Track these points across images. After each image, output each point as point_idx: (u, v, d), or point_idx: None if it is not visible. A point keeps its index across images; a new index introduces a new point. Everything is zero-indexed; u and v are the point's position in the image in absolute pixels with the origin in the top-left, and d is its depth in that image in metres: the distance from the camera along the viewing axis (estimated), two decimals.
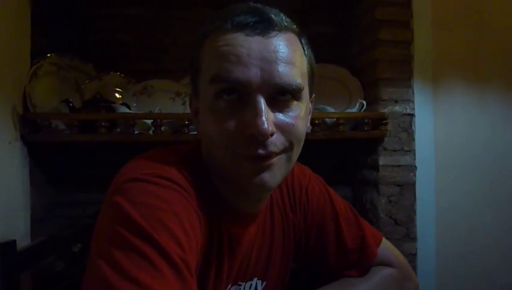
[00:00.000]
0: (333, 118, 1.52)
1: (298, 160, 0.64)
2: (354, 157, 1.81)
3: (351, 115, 1.55)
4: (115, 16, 1.80)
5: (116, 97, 1.67)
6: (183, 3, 1.82)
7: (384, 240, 0.84)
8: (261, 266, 0.73)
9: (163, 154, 0.61)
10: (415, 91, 1.58)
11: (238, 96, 0.55)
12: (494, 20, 1.67)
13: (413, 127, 1.58)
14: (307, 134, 0.62)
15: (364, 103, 1.58)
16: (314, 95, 0.69)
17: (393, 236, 1.57)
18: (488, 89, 1.66)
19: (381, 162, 1.57)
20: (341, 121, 1.50)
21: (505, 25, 1.67)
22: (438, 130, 1.62)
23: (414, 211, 1.59)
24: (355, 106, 1.60)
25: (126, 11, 1.81)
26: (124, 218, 0.48)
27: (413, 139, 1.58)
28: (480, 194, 1.67)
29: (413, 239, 1.59)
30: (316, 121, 1.49)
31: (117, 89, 1.70)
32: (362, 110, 1.58)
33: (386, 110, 1.56)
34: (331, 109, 1.59)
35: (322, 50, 1.81)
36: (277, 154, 0.57)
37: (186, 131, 1.47)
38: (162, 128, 1.45)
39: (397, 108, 1.57)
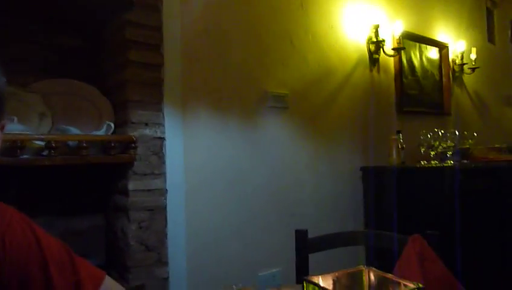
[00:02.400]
0: (75, 140, 1.37)
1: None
2: (105, 182, 1.68)
3: (96, 138, 1.43)
4: None
5: None
6: None
7: (107, 278, 0.76)
8: None
9: None
10: (165, 115, 1.60)
11: None
12: (233, 56, 1.88)
13: (163, 151, 1.59)
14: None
15: (112, 124, 1.50)
16: (4, 121, 0.56)
17: (144, 262, 1.52)
18: (230, 115, 1.84)
19: (131, 187, 1.50)
20: (84, 144, 1.36)
21: (242, 62, 1.91)
22: (188, 153, 1.68)
23: (165, 235, 1.58)
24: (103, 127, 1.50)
25: None
26: None
27: (164, 163, 1.59)
28: (227, 209, 1.81)
29: (165, 263, 1.58)
30: (54, 144, 1.30)
31: None
32: (110, 133, 1.49)
33: (136, 133, 1.51)
34: (75, 130, 1.43)
35: (71, 65, 1.67)
36: None
37: None
38: None
39: (147, 131, 1.55)
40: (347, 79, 2.37)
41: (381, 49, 2.49)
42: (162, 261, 1.57)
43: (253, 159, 1.91)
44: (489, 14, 3.74)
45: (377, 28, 2.45)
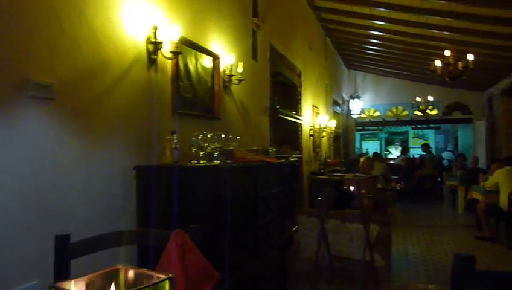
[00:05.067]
0: None
1: None
2: None
3: None
4: None
5: None
6: None
7: None
8: None
9: None
10: None
11: None
12: None
13: None
14: None
15: None
16: None
17: None
18: None
19: None
20: None
21: None
22: None
23: None
24: None
25: None
26: None
27: None
28: None
29: None
30: None
31: None
32: None
33: None
34: None
35: None
36: None
37: None
38: None
39: None
40: (124, 75, 2.31)
41: (160, 51, 2.54)
42: None
43: (3, 157, 1.62)
44: (254, 35, 4.35)
45: (155, 29, 2.48)
